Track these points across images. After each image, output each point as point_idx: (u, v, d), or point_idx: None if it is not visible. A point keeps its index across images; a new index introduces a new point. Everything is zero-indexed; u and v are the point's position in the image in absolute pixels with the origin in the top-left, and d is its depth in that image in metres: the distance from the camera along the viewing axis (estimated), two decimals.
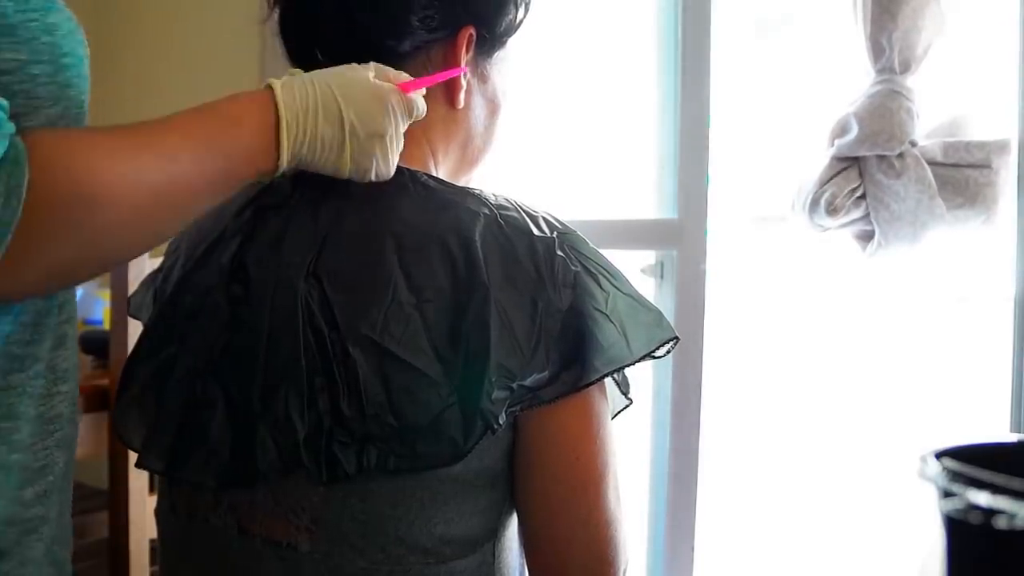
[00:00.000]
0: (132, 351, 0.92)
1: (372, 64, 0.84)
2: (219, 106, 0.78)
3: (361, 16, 0.88)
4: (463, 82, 0.92)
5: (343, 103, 0.80)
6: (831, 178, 1.60)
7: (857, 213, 1.60)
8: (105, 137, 0.70)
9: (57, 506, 0.80)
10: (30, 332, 0.76)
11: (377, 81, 0.82)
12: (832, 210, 1.58)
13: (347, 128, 0.80)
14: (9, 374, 0.75)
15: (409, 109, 0.84)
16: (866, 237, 1.64)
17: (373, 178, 0.84)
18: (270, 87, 0.79)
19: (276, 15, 0.93)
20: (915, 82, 1.58)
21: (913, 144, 1.58)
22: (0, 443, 0.75)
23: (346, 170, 0.82)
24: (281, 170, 0.79)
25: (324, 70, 0.82)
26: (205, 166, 0.74)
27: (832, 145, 1.62)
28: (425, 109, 0.86)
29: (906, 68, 1.56)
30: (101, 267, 0.76)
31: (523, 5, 0.95)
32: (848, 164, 1.60)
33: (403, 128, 0.84)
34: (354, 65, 0.83)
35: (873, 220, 1.60)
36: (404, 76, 0.85)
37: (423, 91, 0.87)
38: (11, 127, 0.64)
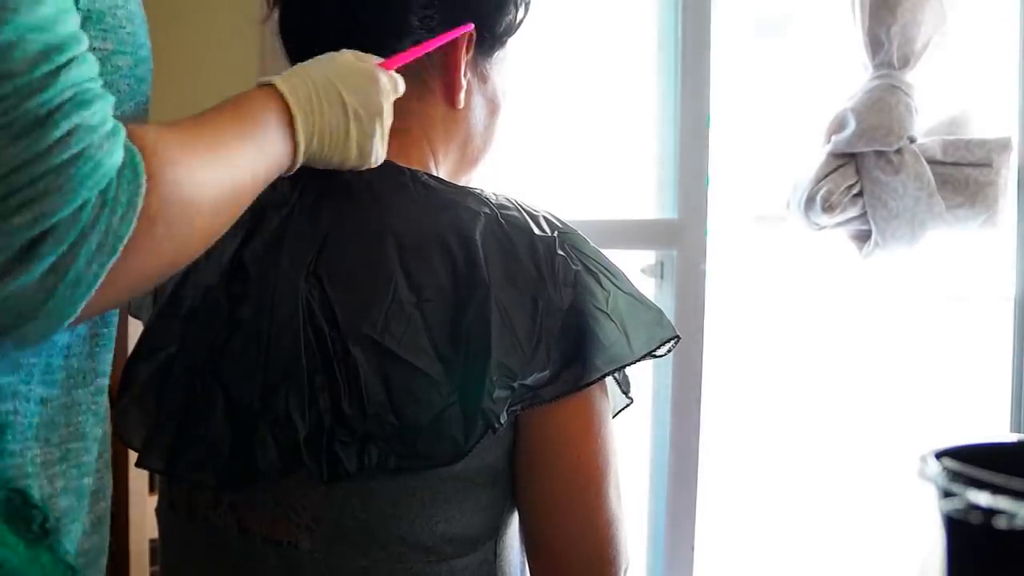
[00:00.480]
0: (132, 351, 0.92)
1: (345, 51, 0.83)
2: (245, 105, 0.75)
3: (362, 16, 0.88)
4: (463, 82, 0.92)
5: (343, 89, 0.78)
6: (827, 174, 1.59)
7: (854, 211, 1.59)
8: (191, 140, 0.65)
9: (107, 535, 0.77)
10: (88, 344, 0.73)
11: (363, 64, 0.81)
12: (828, 207, 1.57)
13: (351, 113, 0.79)
14: (73, 389, 0.71)
15: (395, 86, 0.84)
16: (862, 238, 1.63)
17: (373, 163, 0.83)
18: (271, 85, 0.77)
19: (276, 15, 0.93)
20: (914, 78, 1.57)
21: (912, 140, 1.57)
22: (73, 465, 0.71)
23: (352, 157, 0.81)
24: (295, 168, 0.78)
25: (308, 63, 0.80)
26: (257, 168, 0.72)
27: (829, 141, 1.61)
28: (404, 87, 0.85)
29: (905, 63, 1.56)
30: (166, 277, 0.70)
31: (523, 5, 0.95)
32: (845, 160, 1.59)
33: (391, 106, 0.83)
34: (331, 54, 0.82)
35: (870, 218, 1.59)
36: (376, 58, 0.84)
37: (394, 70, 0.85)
38: (122, 130, 0.59)
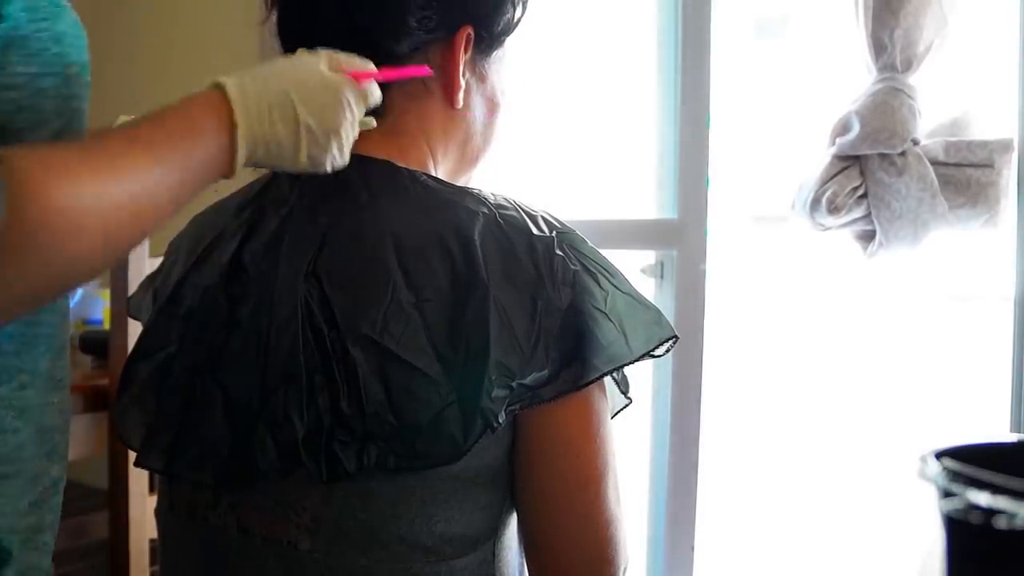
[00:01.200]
0: (132, 351, 0.92)
1: (323, 52, 0.81)
2: (177, 113, 0.74)
3: (360, 17, 0.88)
4: (461, 82, 0.92)
5: (298, 103, 0.77)
6: (832, 177, 1.59)
7: (858, 212, 1.60)
8: (77, 159, 0.65)
9: (49, 515, 0.80)
10: (16, 343, 0.74)
11: (330, 74, 0.80)
12: (833, 209, 1.57)
13: (303, 128, 0.77)
14: None
15: (364, 99, 0.82)
16: (867, 237, 1.63)
17: (328, 170, 0.82)
18: (221, 87, 0.76)
19: (274, 16, 0.93)
20: (917, 80, 1.58)
21: (915, 142, 1.58)
22: None
23: (301, 166, 0.80)
24: (234, 173, 0.77)
25: (274, 63, 0.79)
26: (169, 180, 0.71)
27: (833, 144, 1.62)
28: (380, 97, 0.84)
29: (908, 66, 1.56)
30: (65, 292, 0.73)
31: (521, 4, 0.94)
32: (849, 163, 1.60)
33: (359, 117, 0.82)
34: (304, 55, 0.81)
35: (874, 219, 1.59)
36: (356, 61, 0.83)
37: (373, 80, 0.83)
38: None
